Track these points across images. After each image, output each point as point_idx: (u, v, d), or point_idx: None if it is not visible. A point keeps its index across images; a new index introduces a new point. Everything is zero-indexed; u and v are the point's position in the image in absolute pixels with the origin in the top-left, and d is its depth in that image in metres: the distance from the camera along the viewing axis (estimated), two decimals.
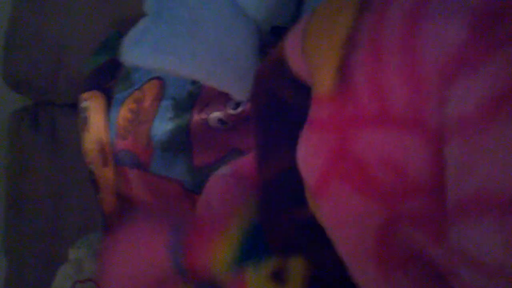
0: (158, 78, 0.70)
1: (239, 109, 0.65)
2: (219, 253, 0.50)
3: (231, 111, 0.65)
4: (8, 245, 1.00)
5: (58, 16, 0.92)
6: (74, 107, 0.91)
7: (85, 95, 0.75)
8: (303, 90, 0.44)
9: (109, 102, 0.73)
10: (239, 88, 0.66)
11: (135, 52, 0.68)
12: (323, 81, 0.40)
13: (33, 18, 0.94)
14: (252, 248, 0.49)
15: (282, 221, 0.46)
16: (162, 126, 0.68)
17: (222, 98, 0.66)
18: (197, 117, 0.67)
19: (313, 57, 0.42)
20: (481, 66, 0.32)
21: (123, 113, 0.71)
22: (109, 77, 0.75)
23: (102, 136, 0.72)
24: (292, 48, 0.46)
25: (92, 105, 0.74)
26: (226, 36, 0.65)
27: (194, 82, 0.68)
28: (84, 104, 0.75)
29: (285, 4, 0.67)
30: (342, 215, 0.38)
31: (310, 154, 0.41)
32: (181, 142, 0.67)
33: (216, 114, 0.66)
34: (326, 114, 0.39)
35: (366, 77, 0.36)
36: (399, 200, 0.35)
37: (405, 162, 0.35)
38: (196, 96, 0.68)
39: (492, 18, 0.32)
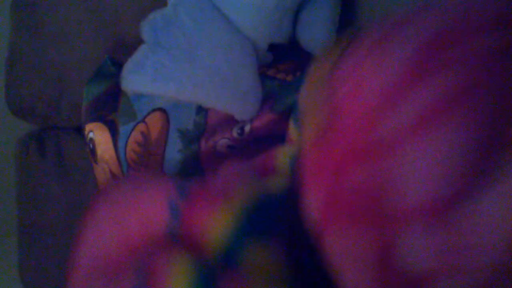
0: (160, 109, 0.71)
1: (245, 132, 0.66)
2: (218, 221, 0.49)
3: (237, 136, 0.66)
4: (24, 275, 1.00)
5: (56, 42, 0.92)
6: (78, 130, 0.91)
7: (89, 126, 0.76)
8: None
9: (114, 133, 0.73)
10: (240, 108, 0.67)
11: (136, 79, 0.68)
12: (311, 125, 0.41)
13: (32, 45, 0.93)
14: (252, 226, 0.49)
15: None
16: (173, 158, 0.69)
17: (227, 124, 0.67)
18: (205, 146, 0.68)
19: (303, 108, 0.44)
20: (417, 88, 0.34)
21: (130, 146, 0.71)
22: (110, 107, 0.75)
23: (114, 170, 0.72)
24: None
25: (98, 140, 0.74)
26: (223, 59, 0.66)
27: (198, 112, 0.69)
28: (90, 135, 0.75)
29: (280, 22, 0.67)
30: (345, 249, 0.39)
31: (310, 200, 0.41)
32: (193, 170, 0.68)
33: (223, 141, 0.67)
34: (316, 156, 0.40)
35: (352, 108, 0.38)
36: (395, 222, 0.36)
37: (402, 180, 0.36)
38: (202, 126, 0.69)
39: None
